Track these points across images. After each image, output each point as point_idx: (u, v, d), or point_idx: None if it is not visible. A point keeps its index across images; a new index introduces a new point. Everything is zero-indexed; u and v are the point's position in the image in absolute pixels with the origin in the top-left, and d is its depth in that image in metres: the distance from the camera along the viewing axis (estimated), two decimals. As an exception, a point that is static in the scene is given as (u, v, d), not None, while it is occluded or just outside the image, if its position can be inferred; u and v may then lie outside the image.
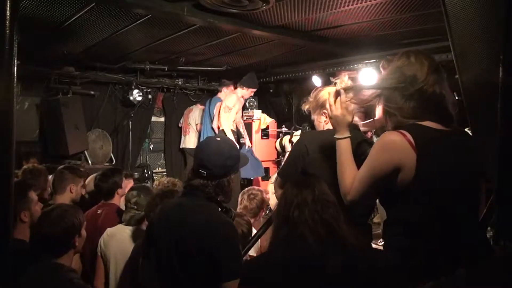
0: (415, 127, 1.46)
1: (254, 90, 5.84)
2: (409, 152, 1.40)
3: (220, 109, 5.73)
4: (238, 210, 3.26)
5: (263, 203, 3.33)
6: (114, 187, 3.08)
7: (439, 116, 1.50)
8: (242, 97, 5.85)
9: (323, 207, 1.50)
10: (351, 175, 1.55)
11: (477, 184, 1.51)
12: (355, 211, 1.63)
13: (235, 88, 5.96)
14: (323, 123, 2.16)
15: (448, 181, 1.42)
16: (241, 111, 6.16)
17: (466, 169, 1.46)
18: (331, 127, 2.11)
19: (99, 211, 2.96)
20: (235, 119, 5.84)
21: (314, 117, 2.22)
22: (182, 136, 6.75)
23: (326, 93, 2.15)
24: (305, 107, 2.27)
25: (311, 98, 2.24)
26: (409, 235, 1.44)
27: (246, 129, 6.45)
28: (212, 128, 5.92)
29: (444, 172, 1.42)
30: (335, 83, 2.16)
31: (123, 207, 2.92)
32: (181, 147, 6.77)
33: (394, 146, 1.43)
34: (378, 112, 3.58)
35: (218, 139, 1.89)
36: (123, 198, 3.06)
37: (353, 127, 2.13)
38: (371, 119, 3.42)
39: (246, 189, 3.45)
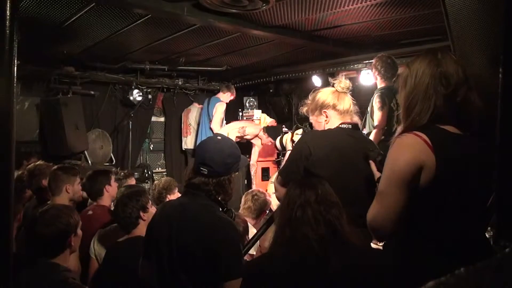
0: (431, 128, 1.41)
1: (272, 141, 5.61)
2: (428, 152, 1.35)
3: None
4: (241, 210, 3.27)
5: (266, 205, 3.35)
6: (101, 185, 3.09)
7: (461, 122, 1.44)
8: (260, 138, 5.84)
9: (326, 208, 1.50)
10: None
11: (487, 187, 1.48)
12: (355, 212, 1.62)
13: (234, 95, 6.14)
14: (323, 122, 2.15)
15: (460, 184, 1.40)
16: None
17: (478, 172, 1.44)
18: (332, 127, 2.12)
19: (89, 212, 2.96)
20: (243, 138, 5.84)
21: (313, 118, 2.22)
22: (183, 137, 6.75)
23: (324, 93, 2.16)
24: (303, 110, 2.27)
25: (308, 101, 2.24)
26: (411, 235, 1.44)
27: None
28: (211, 128, 5.92)
29: (459, 175, 1.40)
30: (333, 84, 2.16)
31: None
32: (183, 148, 6.77)
33: (414, 146, 1.37)
34: (377, 116, 3.61)
35: (219, 137, 1.90)
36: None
37: (355, 128, 2.13)
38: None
39: (250, 190, 3.49)
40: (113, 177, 3.23)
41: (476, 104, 1.44)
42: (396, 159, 1.41)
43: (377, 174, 1.75)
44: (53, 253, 1.90)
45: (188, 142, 6.61)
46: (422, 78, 1.44)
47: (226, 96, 6.08)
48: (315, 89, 2.27)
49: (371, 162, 1.80)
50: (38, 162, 3.64)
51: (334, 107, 2.11)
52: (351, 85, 2.19)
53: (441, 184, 1.37)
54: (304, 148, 2.01)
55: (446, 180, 1.37)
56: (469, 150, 1.44)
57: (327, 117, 2.13)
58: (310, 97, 2.24)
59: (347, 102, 2.14)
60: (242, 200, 3.37)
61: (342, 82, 2.15)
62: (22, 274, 1.80)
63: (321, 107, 2.14)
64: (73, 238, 1.96)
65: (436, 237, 1.40)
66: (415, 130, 1.41)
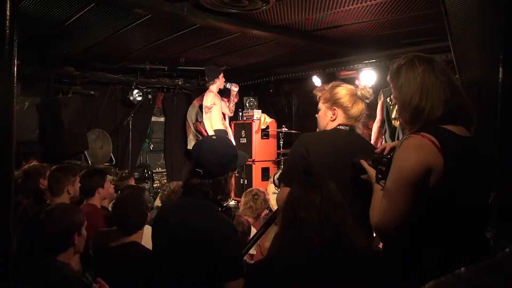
0: (437, 130, 1.40)
1: (221, 74, 5.45)
2: (436, 154, 1.34)
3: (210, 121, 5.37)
4: (242, 210, 3.27)
5: (266, 203, 3.36)
6: (94, 186, 3.08)
7: (461, 118, 1.44)
8: (220, 89, 5.49)
9: (331, 210, 1.45)
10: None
11: (489, 187, 1.47)
12: (352, 211, 1.60)
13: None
14: (328, 119, 2.12)
15: (467, 185, 1.39)
16: (230, 105, 5.76)
17: (481, 172, 1.43)
18: (334, 125, 2.10)
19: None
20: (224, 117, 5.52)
21: (321, 107, 2.17)
22: (188, 138, 6.76)
23: (344, 91, 2.10)
24: (318, 93, 2.20)
25: (326, 88, 2.18)
26: (411, 236, 1.43)
27: (245, 129, 6.45)
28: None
29: (466, 176, 1.39)
30: (357, 86, 2.12)
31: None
32: (188, 148, 6.77)
33: (422, 147, 1.36)
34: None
35: (214, 137, 1.90)
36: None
37: (352, 130, 2.12)
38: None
39: (249, 190, 3.47)
40: (108, 179, 3.21)
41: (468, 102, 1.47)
42: (404, 161, 1.39)
43: (370, 169, 1.70)
44: (57, 251, 1.90)
45: (189, 142, 6.61)
46: (423, 75, 1.44)
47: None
48: (337, 82, 2.21)
49: (362, 161, 1.76)
50: (32, 163, 3.63)
51: (346, 109, 2.08)
52: (372, 96, 2.12)
53: (449, 185, 1.36)
54: (301, 149, 1.99)
55: (454, 181, 1.36)
56: (474, 150, 1.44)
57: (333, 115, 2.11)
58: (330, 86, 2.18)
59: (360, 110, 2.10)
60: (242, 200, 3.37)
61: (364, 89, 2.10)
62: (24, 273, 1.80)
63: (334, 102, 2.10)
64: (77, 237, 1.97)
65: (443, 238, 1.39)
66: (422, 131, 1.40)
